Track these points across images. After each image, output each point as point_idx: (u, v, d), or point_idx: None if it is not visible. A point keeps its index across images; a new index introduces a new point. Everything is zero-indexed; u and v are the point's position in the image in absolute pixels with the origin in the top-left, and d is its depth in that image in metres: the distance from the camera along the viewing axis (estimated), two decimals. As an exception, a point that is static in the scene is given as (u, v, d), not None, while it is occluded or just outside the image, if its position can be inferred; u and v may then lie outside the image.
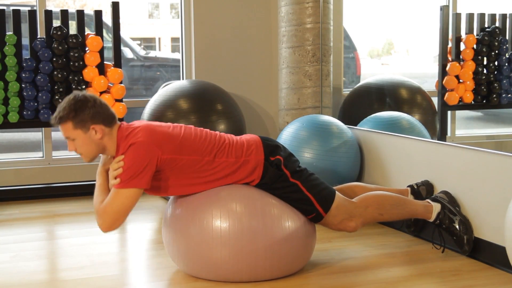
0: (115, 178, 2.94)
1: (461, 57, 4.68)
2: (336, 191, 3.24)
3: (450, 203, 3.42)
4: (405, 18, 5.48)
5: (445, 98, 4.66)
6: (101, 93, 4.53)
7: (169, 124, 3.12)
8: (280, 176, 3.11)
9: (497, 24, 4.71)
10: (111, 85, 4.58)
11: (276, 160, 3.12)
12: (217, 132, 3.19)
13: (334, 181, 3.67)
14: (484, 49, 4.67)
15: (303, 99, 4.77)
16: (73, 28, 4.62)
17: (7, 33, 4.37)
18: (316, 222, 3.21)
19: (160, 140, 2.97)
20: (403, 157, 3.94)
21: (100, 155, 3.10)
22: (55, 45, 4.43)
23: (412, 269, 3.29)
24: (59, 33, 4.44)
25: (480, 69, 4.69)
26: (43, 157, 4.96)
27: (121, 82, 4.60)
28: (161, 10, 11.23)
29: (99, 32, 4.55)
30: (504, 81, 4.69)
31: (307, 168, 3.23)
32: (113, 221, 2.95)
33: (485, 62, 4.72)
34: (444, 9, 4.61)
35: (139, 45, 8.81)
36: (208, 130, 3.17)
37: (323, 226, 3.26)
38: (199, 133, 3.10)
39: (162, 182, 3.05)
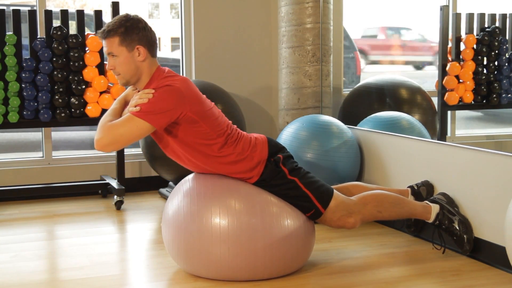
0: (135, 106, 2.95)
1: (461, 57, 4.68)
2: (335, 190, 3.25)
3: (448, 204, 3.43)
4: (405, 17, 5.48)
5: (445, 98, 4.66)
6: (101, 93, 4.53)
7: (204, 95, 3.15)
8: (278, 173, 3.13)
9: (497, 24, 4.71)
10: (111, 85, 4.58)
11: (275, 158, 3.15)
12: (234, 124, 3.24)
13: (334, 181, 3.67)
14: (484, 49, 4.67)
15: (303, 99, 4.77)
16: (73, 28, 4.62)
17: (7, 33, 4.37)
18: (315, 219, 3.21)
19: (193, 97, 3.01)
20: (403, 157, 3.94)
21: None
22: (55, 45, 4.43)
23: (412, 269, 3.29)
24: (59, 33, 4.44)
25: (480, 69, 4.69)
26: (43, 157, 4.96)
27: (121, 82, 4.59)
28: (161, 10, 11.24)
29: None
30: (504, 81, 4.69)
31: (304, 168, 3.26)
32: (111, 141, 2.95)
33: (485, 62, 4.72)
34: (444, 9, 4.61)
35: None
36: (227, 119, 3.22)
37: (322, 225, 3.26)
38: (223, 117, 3.15)
39: (171, 135, 3.06)
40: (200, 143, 3.06)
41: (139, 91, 3.08)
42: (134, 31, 3.01)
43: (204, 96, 3.14)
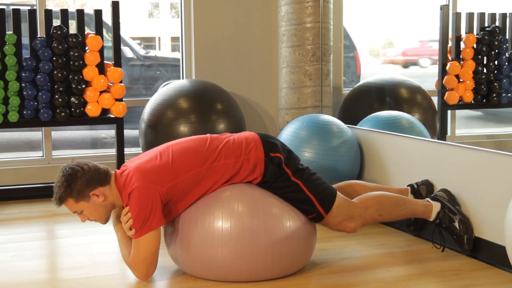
0: (130, 229, 2.99)
1: (461, 56, 4.67)
2: (337, 191, 3.24)
3: (450, 202, 3.42)
4: (405, 17, 5.48)
5: (445, 98, 4.65)
6: (101, 92, 4.52)
7: (156, 153, 3.10)
8: (281, 175, 3.11)
9: (497, 24, 4.71)
10: (111, 85, 4.58)
11: (276, 158, 3.11)
12: (208, 135, 3.18)
13: (334, 181, 3.66)
14: (484, 49, 4.67)
15: (303, 99, 4.77)
16: (73, 28, 4.61)
17: (7, 32, 4.37)
18: (316, 222, 3.21)
19: (153, 176, 2.98)
20: (403, 156, 3.94)
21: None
22: (55, 45, 4.43)
23: (412, 269, 3.29)
24: (59, 32, 4.44)
25: (480, 68, 4.68)
26: (43, 156, 4.96)
27: (121, 82, 4.59)
28: (161, 10, 11.23)
29: (99, 31, 4.55)
30: (504, 81, 4.69)
31: (309, 167, 3.23)
32: (147, 269, 3.04)
33: (485, 62, 4.72)
34: (444, 9, 4.61)
35: (139, 44, 8.81)
36: (199, 136, 3.17)
37: (322, 226, 3.26)
38: (190, 146, 3.09)
39: (173, 209, 3.08)
40: (195, 191, 3.05)
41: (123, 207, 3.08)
42: (77, 183, 2.98)
43: (156, 154, 3.07)
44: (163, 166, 3.02)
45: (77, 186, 2.99)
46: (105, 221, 3.13)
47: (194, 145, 3.10)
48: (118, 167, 4.68)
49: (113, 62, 4.62)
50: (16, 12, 4.42)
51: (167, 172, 3.01)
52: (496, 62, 4.73)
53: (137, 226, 2.96)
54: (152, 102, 4.68)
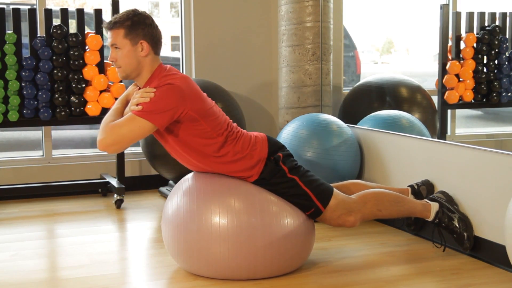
0: (137, 105, 2.95)
1: (461, 55, 4.68)
2: (334, 188, 3.25)
3: (448, 202, 3.43)
4: (405, 16, 5.48)
5: (445, 97, 4.66)
6: (101, 91, 4.52)
7: (204, 93, 3.15)
8: (278, 172, 3.13)
9: (497, 23, 4.71)
10: (111, 84, 4.58)
11: (275, 156, 3.15)
12: (234, 123, 3.23)
13: (334, 180, 3.67)
14: (484, 48, 4.67)
15: (303, 98, 4.77)
16: (73, 27, 4.61)
17: (7, 31, 4.37)
18: (315, 218, 3.21)
19: (194, 95, 3.01)
20: (403, 156, 3.94)
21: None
22: (55, 44, 4.43)
23: (412, 268, 3.29)
24: (59, 31, 4.44)
25: (480, 67, 4.69)
26: (43, 155, 4.96)
27: (121, 81, 4.59)
28: (161, 9, 11.22)
29: (99, 30, 4.55)
30: (504, 80, 4.69)
31: (304, 167, 3.25)
32: (114, 142, 2.97)
33: (485, 61, 4.72)
34: (444, 8, 4.61)
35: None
36: (227, 117, 3.22)
37: (322, 224, 3.26)
38: (223, 116, 3.15)
39: (172, 134, 3.07)
40: (200, 142, 3.06)
41: (140, 89, 3.08)
42: (140, 26, 3.02)
43: (205, 94, 3.14)
44: (205, 100, 3.06)
45: (138, 27, 3.00)
46: (125, 75, 3.07)
47: (225, 119, 3.15)
48: (118, 167, 4.68)
49: (113, 62, 4.61)
50: (16, 11, 4.42)
51: (203, 107, 3.03)
52: (496, 62, 4.73)
53: (148, 108, 2.93)
54: (152, 102, 4.67)
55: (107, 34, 3.10)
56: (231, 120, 3.21)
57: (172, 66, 3.14)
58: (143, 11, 3.07)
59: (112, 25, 3.02)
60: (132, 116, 2.95)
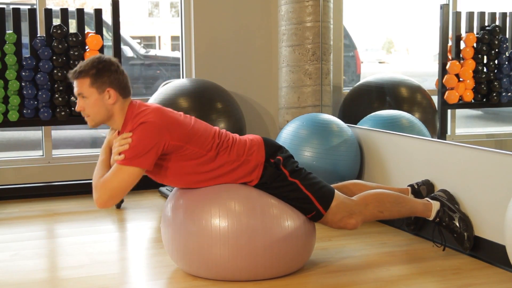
0: (120, 154, 2.92)
1: (461, 55, 4.68)
2: (335, 190, 3.24)
3: (449, 201, 3.42)
4: (405, 16, 5.48)
5: (445, 97, 4.66)
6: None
7: (180, 113, 3.12)
8: (279, 175, 3.11)
9: (497, 23, 4.71)
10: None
11: (275, 160, 3.13)
12: (223, 130, 3.20)
13: (334, 180, 3.67)
14: (484, 48, 4.67)
15: (303, 98, 4.77)
16: (73, 27, 4.61)
17: (7, 31, 4.37)
18: (316, 221, 3.21)
19: (170, 124, 2.97)
20: (403, 155, 3.94)
21: (105, 134, 3.08)
22: (55, 44, 4.43)
23: (412, 268, 3.29)
24: (59, 31, 4.44)
25: (480, 67, 4.69)
26: (43, 155, 4.96)
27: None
28: (161, 9, 11.23)
29: (99, 30, 4.55)
30: (504, 80, 4.69)
31: (305, 168, 3.24)
32: (109, 197, 2.93)
33: (485, 61, 4.72)
34: (444, 8, 4.61)
35: (139, 43, 8.81)
36: (215, 127, 3.19)
37: (322, 224, 3.26)
38: (208, 128, 3.11)
39: (163, 168, 3.04)
40: (192, 164, 3.03)
41: (119, 133, 3.04)
42: (105, 73, 2.96)
43: (181, 114, 3.09)
44: (182, 124, 3.01)
45: (103, 74, 2.95)
46: (94, 123, 3.03)
47: (211, 131, 3.10)
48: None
49: (113, 61, 4.61)
50: (16, 11, 4.42)
51: (183, 131, 2.99)
52: (496, 61, 4.73)
53: (130, 154, 2.90)
54: (152, 102, 4.67)
55: (72, 83, 3.04)
56: (217, 129, 3.16)
57: (141, 102, 3.08)
58: (108, 57, 3.01)
59: (77, 75, 2.96)
60: (118, 167, 2.92)
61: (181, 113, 3.12)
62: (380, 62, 6.23)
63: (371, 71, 6.00)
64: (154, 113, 2.96)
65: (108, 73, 2.96)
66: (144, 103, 3.06)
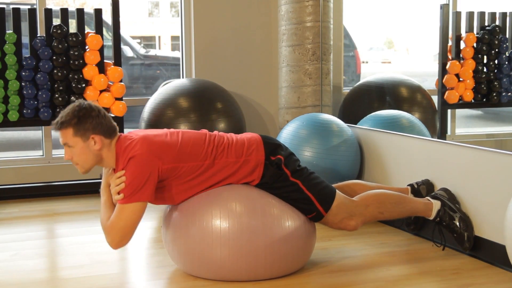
0: (118, 193, 2.93)
1: (461, 55, 4.68)
2: (337, 190, 3.24)
3: (450, 200, 3.42)
4: (405, 16, 5.48)
5: (445, 97, 4.65)
6: (101, 91, 4.52)
7: (165, 131, 3.09)
8: (280, 176, 3.10)
9: (497, 23, 4.71)
10: (111, 84, 4.58)
11: (276, 159, 3.11)
12: (215, 132, 3.18)
13: (334, 180, 3.67)
14: (484, 48, 4.67)
15: (303, 98, 4.77)
16: (73, 27, 4.61)
17: (7, 31, 4.37)
18: (316, 221, 3.21)
19: (158, 150, 2.96)
20: (403, 155, 3.94)
21: (102, 172, 3.09)
22: (55, 44, 4.43)
23: (412, 268, 3.29)
24: (59, 31, 4.44)
25: (480, 67, 4.69)
26: (43, 155, 4.96)
27: (121, 81, 4.59)
28: (161, 9, 11.23)
29: (99, 30, 4.54)
30: (504, 80, 4.69)
31: (307, 167, 3.23)
32: (121, 238, 2.96)
33: (485, 61, 4.72)
34: (444, 8, 4.61)
35: (139, 43, 8.81)
36: (206, 131, 3.16)
37: (323, 225, 3.26)
38: (197, 137, 3.08)
39: (166, 192, 3.05)
40: (192, 177, 3.03)
41: (114, 170, 3.02)
42: (87, 121, 2.94)
43: (167, 134, 3.06)
44: (170, 145, 3.00)
45: (85, 122, 2.93)
46: (85, 170, 3.02)
47: (202, 139, 3.08)
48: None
49: (113, 61, 4.62)
50: (16, 11, 4.42)
51: (172, 153, 2.98)
52: (496, 61, 4.73)
53: (127, 192, 2.90)
54: (152, 101, 4.67)
55: (56, 133, 3.03)
56: (208, 134, 3.12)
57: (126, 134, 3.06)
58: (87, 103, 2.98)
59: (60, 126, 2.95)
60: (121, 206, 2.92)
61: (166, 131, 3.09)
62: (383, 62, 6.20)
63: (372, 71, 6.00)
64: (140, 144, 2.95)
65: (90, 119, 2.94)
66: (129, 135, 3.04)
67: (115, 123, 3.04)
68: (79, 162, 3.00)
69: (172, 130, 3.12)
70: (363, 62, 5.99)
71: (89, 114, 2.95)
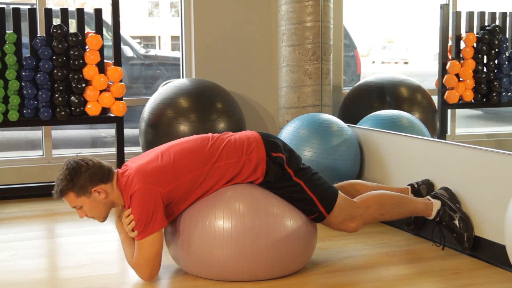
0: (132, 230, 2.98)
1: (461, 55, 4.67)
2: (339, 191, 3.24)
3: (450, 200, 3.42)
4: (405, 16, 5.48)
5: (445, 97, 4.65)
6: (101, 91, 4.52)
7: (157, 153, 3.08)
8: (283, 175, 3.10)
9: (497, 23, 4.71)
10: (111, 84, 4.57)
11: (278, 158, 3.10)
12: (209, 134, 3.17)
13: (334, 180, 3.67)
14: (484, 48, 4.67)
15: (303, 98, 4.77)
16: (73, 27, 4.61)
17: (7, 31, 4.37)
18: (318, 222, 3.21)
19: (154, 178, 2.97)
20: (403, 155, 3.94)
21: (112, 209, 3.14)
22: (55, 44, 4.42)
23: (412, 268, 3.29)
24: (59, 31, 4.43)
25: (480, 67, 4.68)
26: (43, 155, 4.96)
27: (121, 81, 4.59)
28: (161, 9, 11.22)
29: (99, 30, 4.54)
30: (504, 80, 4.69)
31: (311, 167, 3.22)
32: (150, 270, 3.03)
33: (485, 61, 4.72)
34: (444, 8, 4.61)
35: (139, 43, 8.81)
36: (201, 136, 3.15)
37: (324, 225, 3.26)
38: (191, 145, 3.09)
39: (176, 210, 3.07)
40: (196, 186, 3.03)
41: (124, 206, 3.06)
42: (81, 179, 2.97)
43: (158, 156, 3.06)
44: (164, 167, 3.01)
45: (80, 180, 2.97)
46: (103, 219, 3.11)
47: (196, 146, 3.08)
48: (119, 166, 4.68)
49: (113, 61, 4.62)
50: (16, 11, 4.42)
51: (169, 174, 3.00)
52: (496, 61, 4.73)
53: (139, 228, 2.95)
54: (152, 101, 4.68)
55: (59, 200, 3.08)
56: (201, 139, 3.12)
57: (121, 170, 3.08)
58: (73, 162, 3.00)
59: (60, 194, 3.00)
60: (139, 242, 2.99)
61: (158, 153, 3.08)
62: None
63: (372, 71, 6.00)
64: (136, 179, 2.97)
65: (83, 176, 2.98)
66: (125, 171, 3.06)
67: (107, 164, 3.07)
68: (95, 216, 3.08)
69: (164, 148, 3.10)
70: (373, 62, 5.98)
71: (80, 171, 2.99)
